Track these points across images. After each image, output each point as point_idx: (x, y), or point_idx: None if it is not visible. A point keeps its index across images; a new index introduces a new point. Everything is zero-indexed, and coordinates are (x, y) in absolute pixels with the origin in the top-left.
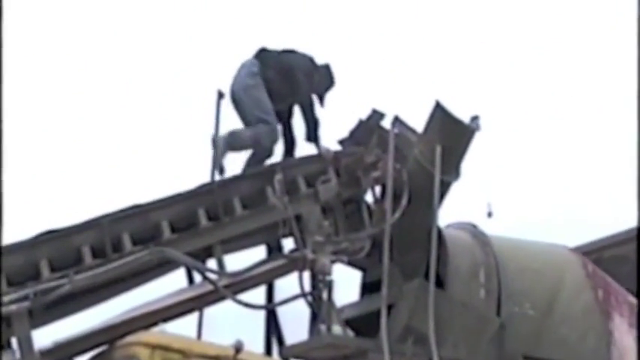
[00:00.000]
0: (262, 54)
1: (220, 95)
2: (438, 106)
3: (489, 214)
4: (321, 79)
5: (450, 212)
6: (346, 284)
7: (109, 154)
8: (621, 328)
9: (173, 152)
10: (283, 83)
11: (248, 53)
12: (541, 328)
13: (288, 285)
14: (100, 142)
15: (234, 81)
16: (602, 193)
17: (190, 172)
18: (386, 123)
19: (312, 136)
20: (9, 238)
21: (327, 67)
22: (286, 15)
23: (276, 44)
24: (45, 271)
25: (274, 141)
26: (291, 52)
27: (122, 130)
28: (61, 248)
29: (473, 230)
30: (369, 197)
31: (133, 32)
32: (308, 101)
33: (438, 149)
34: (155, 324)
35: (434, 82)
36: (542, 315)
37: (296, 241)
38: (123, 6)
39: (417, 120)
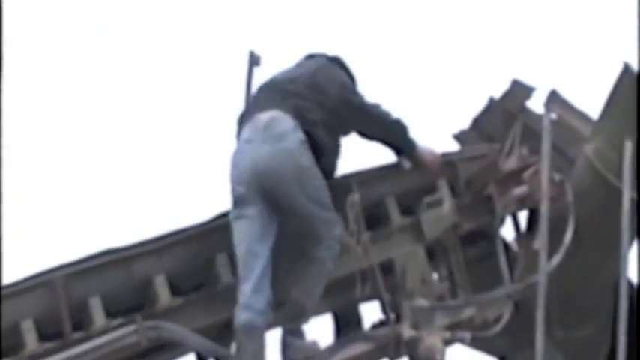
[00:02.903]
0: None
1: (253, 59)
2: (628, 73)
3: None
4: None
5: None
6: None
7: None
8: None
9: (176, 169)
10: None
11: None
12: None
13: None
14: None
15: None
16: None
17: (201, 198)
18: (536, 103)
19: (401, 140)
20: None
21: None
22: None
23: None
24: None
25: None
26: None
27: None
28: None
29: None
30: (507, 231)
31: (131, 28)
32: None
33: (629, 147)
34: None
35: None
36: None
37: (384, 308)
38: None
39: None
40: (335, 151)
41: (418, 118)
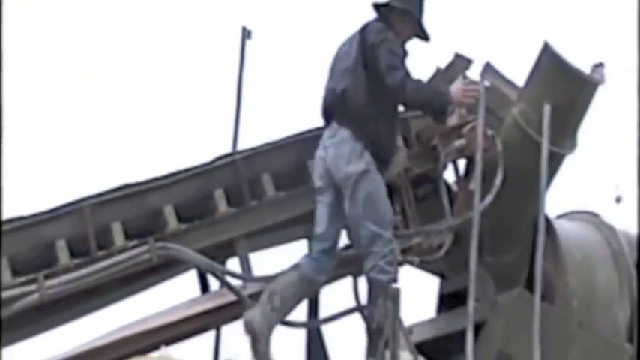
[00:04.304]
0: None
1: (245, 33)
2: (547, 50)
3: (618, 200)
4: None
5: (563, 197)
6: (416, 294)
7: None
8: None
9: (181, 118)
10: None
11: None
12: None
13: (337, 295)
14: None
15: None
16: None
17: (203, 142)
18: (473, 73)
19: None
20: None
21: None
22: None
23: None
24: (5, 274)
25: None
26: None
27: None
28: (27, 243)
29: (594, 221)
30: (449, 175)
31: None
32: None
33: (547, 109)
34: (155, 347)
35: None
36: None
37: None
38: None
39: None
40: (392, 136)
41: None
